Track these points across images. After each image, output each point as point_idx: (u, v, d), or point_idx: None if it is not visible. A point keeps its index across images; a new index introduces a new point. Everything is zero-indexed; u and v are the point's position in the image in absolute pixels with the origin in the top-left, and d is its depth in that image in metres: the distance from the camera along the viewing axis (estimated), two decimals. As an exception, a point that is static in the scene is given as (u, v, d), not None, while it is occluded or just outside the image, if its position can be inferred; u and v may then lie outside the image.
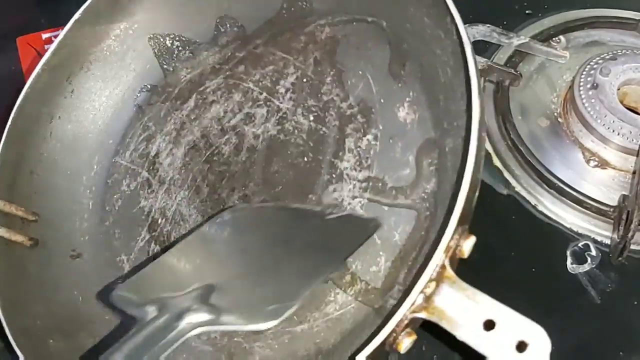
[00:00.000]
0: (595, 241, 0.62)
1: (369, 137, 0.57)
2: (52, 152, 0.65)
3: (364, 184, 0.55)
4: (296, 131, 0.60)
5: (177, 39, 0.68)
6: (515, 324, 0.39)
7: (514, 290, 0.56)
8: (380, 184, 0.55)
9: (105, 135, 0.67)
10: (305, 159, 0.58)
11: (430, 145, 0.54)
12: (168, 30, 0.67)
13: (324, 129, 0.59)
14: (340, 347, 0.51)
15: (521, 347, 0.38)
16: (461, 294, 0.41)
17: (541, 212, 0.64)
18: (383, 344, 0.41)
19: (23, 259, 0.60)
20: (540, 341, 0.38)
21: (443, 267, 0.42)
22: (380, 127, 0.56)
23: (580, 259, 0.61)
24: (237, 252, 0.53)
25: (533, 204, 0.65)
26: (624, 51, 0.68)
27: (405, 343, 0.42)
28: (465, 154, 0.43)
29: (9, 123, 0.61)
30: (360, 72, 0.59)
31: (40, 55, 0.74)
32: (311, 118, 0.59)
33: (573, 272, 0.60)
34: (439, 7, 0.51)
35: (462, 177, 0.42)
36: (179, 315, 0.44)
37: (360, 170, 0.56)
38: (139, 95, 0.68)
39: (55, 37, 0.77)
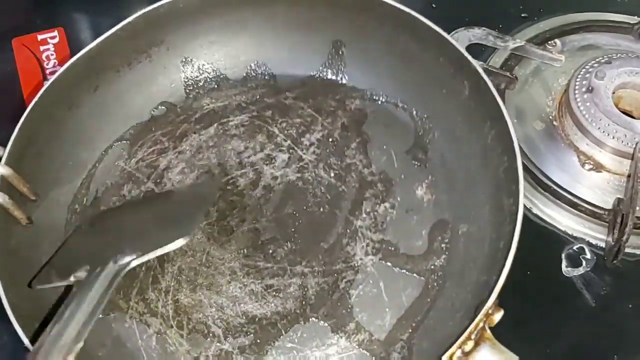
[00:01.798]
0: (590, 244, 0.62)
1: (387, 204, 0.62)
2: (63, 138, 0.64)
3: (377, 245, 0.60)
4: (315, 182, 0.64)
5: (208, 69, 0.71)
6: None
7: (508, 293, 0.58)
8: (392, 248, 0.60)
9: (114, 136, 0.67)
10: (321, 209, 0.63)
11: (443, 225, 0.61)
12: (202, 59, 0.70)
13: (343, 187, 0.64)
14: (339, 387, 0.55)
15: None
16: (498, 356, 0.46)
17: (536, 215, 0.64)
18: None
19: (14, 237, 0.57)
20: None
21: (483, 328, 0.47)
22: (398, 199, 0.63)
23: (575, 262, 0.61)
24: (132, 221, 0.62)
25: (528, 207, 0.65)
26: (619, 55, 0.68)
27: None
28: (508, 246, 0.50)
29: (35, 99, 0.60)
30: (384, 147, 0.66)
31: (36, 56, 0.76)
32: (332, 174, 0.64)
33: (568, 275, 0.60)
34: (479, 111, 0.59)
35: (505, 263, 0.49)
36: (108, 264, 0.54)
37: (375, 232, 0.61)
38: (157, 108, 0.69)
39: (52, 38, 0.78)
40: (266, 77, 0.71)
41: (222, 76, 0.71)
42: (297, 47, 0.70)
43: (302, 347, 0.56)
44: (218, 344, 0.57)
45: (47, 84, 0.61)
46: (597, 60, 0.68)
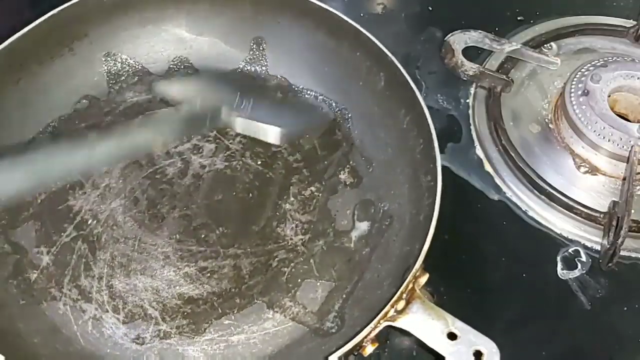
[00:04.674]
0: (585, 247, 0.62)
1: (312, 188, 0.66)
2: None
3: (305, 225, 0.64)
4: (243, 170, 0.66)
5: (131, 63, 0.72)
6: (473, 337, 0.49)
7: (504, 295, 0.61)
8: (320, 228, 0.64)
9: (35, 129, 0.67)
10: (250, 195, 0.65)
11: (367, 205, 0.65)
12: (125, 53, 0.71)
13: (270, 173, 0.66)
14: (277, 357, 0.57)
15: (477, 355, 0.49)
16: (429, 311, 0.51)
17: (532, 218, 0.65)
18: (354, 347, 0.50)
19: None
20: (492, 351, 0.49)
21: (413, 289, 0.52)
22: (323, 183, 0.66)
23: (570, 264, 0.61)
24: None
25: (524, 209, 0.65)
26: (614, 58, 0.68)
27: (369, 349, 0.51)
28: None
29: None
30: (307, 136, 0.69)
31: None
32: (259, 162, 0.67)
33: (563, 278, 0.61)
34: (395, 100, 0.65)
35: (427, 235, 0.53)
36: None
37: (303, 214, 0.64)
38: (80, 101, 0.69)
39: None
40: (189, 72, 0.73)
41: (145, 70, 0.72)
42: (219, 44, 0.73)
43: (239, 323, 0.58)
44: (156, 325, 0.58)
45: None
46: (593, 63, 0.68)
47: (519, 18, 0.79)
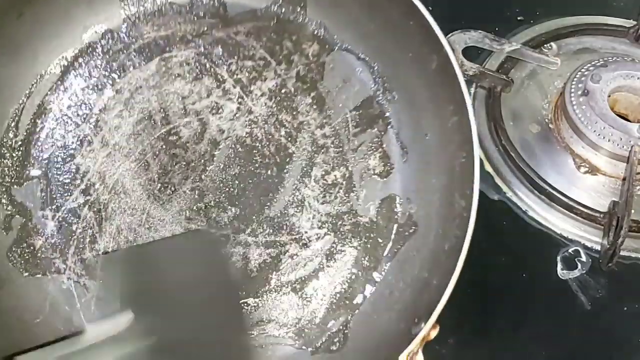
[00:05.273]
0: (585, 247, 0.64)
1: (337, 173, 0.60)
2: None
3: (323, 218, 0.60)
4: (265, 140, 0.61)
5: (148, -13, 0.62)
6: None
7: (504, 295, 0.62)
8: (339, 223, 0.59)
9: (43, 66, 0.60)
10: (269, 172, 0.60)
11: (392, 202, 0.60)
12: (141, -25, 0.62)
13: (293, 148, 0.61)
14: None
15: None
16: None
17: (532, 218, 0.66)
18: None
19: None
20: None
21: (415, 352, 0.49)
22: (349, 168, 0.60)
23: (570, 264, 0.62)
24: None
25: (524, 209, 0.66)
26: (614, 58, 0.69)
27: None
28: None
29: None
30: (340, 105, 0.61)
31: None
32: (282, 132, 0.61)
33: (563, 278, 0.62)
34: (445, 91, 0.56)
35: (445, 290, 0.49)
36: None
37: (322, 203, 0.60)
38: (91, 34, 0.61)
39: None
40: (215, 5, 0.63)
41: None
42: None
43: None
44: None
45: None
46: (593, 63, 0.69)
47: (519, 18, 0.80)
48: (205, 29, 0.62)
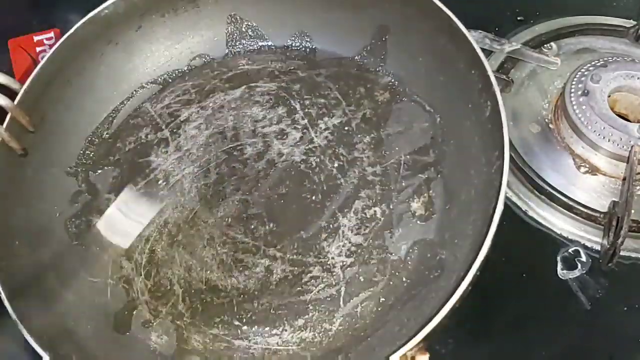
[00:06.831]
0: (585, 247, 0.62)
1: (377, 210, 0.60)
2: (94, 72, 0.66)
3: (353, 248, 0.59)
4: (318, 169, 0.63)
5: (252, 29, 0.70)
6: None
7: (504, 295, 0.60)
8: (367, 256, 0.58)
9: (147, 78, 0.69)
10: (314, 197, 0.61)
11: (425, 246, 0.58)
12: (249, 18, 0.70)
13: (342, 180, 0.62)
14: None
15: None
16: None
17: (531, 218, 0.64)
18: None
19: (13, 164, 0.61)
20: None
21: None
22: (391, 207, 0.60)
23: (570, 264, 0.61)
24: None
25: (524, 209, 0.65)
26: (614, 58, 0.68)
27: None
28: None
29: (75, 27, 0.63)
30: (397, 149, 0.62)
31: (32, 57, 0.76)
32: (336, 164, 0.63)
33: (563, 278, 0.60)
34: (493, 136, 0.55)
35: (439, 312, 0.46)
36: None
37: (355, 234, 0.59)
38: (195, 59, 0.70)
39: (48, 39, 0.78)
40: (307, 50, 0.69)
41: (264, 39, 0.70)
42: (344, 24, 0.68)
43: (247, 329, 0.57)
44: (174, 303, 0.59)
45: (88, 16, 0.64)
46: (593, 63, 0.67)
47: (519, 18, 0.78)
48: (292, 68, 0.69)
